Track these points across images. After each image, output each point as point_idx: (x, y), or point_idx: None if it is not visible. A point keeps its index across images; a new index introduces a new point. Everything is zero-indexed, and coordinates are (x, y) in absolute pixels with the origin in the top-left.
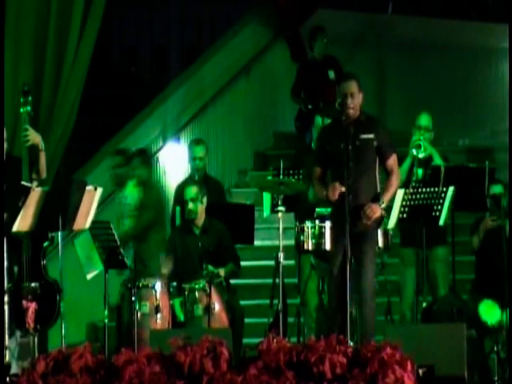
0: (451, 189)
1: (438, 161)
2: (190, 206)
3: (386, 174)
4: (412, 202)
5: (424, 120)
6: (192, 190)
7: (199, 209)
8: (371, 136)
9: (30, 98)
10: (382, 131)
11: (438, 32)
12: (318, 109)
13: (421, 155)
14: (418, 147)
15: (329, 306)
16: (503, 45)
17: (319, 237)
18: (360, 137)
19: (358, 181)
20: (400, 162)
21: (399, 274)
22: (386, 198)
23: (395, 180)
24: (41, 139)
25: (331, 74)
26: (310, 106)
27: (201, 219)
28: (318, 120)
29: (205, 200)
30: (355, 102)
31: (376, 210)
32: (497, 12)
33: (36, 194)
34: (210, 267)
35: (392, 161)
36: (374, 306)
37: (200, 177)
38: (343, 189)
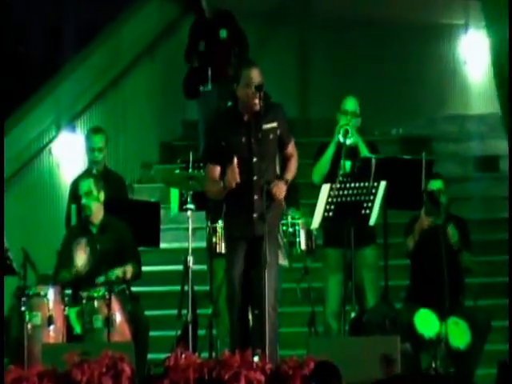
0: (383, 184)
1: (364, 152)
2: (84, 201)
3: (285, 160)
4: (339, 199)
5: (350, 104)
6: (86, 184)
7: (94, 205)
8: (274, 125)
9: None
10: (283, 117)
11: (367, 7)
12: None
13: (348, 141)
14: (346, 132)
15: (230, 318)
16: (443, 20)
17: None
18: (263, 127)
19: (263, 177)
20: (322, 152)
21: (322, 278)
22: (288, 177)
23: (294, 162)
24: None
25: (223, 34)
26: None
27: (98, 217)
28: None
29: (102, 195)
30: (262, 93)
31: (282, 187)
32: None
33: None
34: (114, 271)
35: (291, 147)
36: (276, 316)
37: (99, 170)
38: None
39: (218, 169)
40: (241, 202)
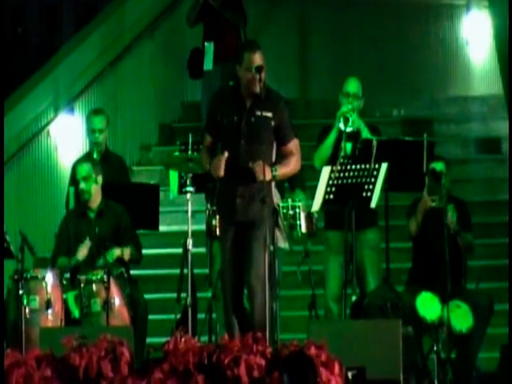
0: (384, 165)
1: (366, 135)
2: (82, 185)
3: (282, 157)
4: (340, 181)
5: (352, 86)
6: (84, 168)
7: (93, 189)
8: (269, 115)
9: None
10: (282, 111)
11: None
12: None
13: (348, 129)
14: (346, 120)
15: (224, 305)
16: (444, 1)
17: None
18: (256, 113)
19: (251, 162)
20: (325, 136)
21: (323, 261)
22: (280, 169)
23: (294, 161)
24: None
25: (228, 11)
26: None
27: (96, 201)
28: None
29: (100, 179)
30: (265, 75)
31: (262, 166)
32: None
33: None
34: (112, 252)
35: (292, 146)
36: (265, 299)
37: (100, 152)
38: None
39: (209, 139)
40: (227, 186)
